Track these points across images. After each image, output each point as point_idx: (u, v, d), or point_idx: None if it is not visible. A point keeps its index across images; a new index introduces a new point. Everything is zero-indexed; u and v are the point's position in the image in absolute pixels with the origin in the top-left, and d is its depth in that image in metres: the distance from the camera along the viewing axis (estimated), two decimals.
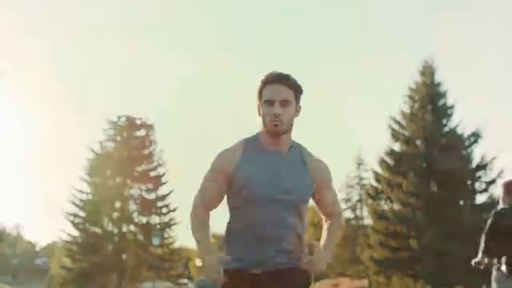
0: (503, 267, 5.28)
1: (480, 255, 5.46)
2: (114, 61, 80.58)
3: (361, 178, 39.11)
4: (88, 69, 78.98)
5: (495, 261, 5.37)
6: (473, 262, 5.57)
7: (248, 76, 69.50)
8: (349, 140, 68.79)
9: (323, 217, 3.15)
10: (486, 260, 5.41)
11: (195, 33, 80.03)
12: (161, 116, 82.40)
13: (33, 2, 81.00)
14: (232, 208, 2.92)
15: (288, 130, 2.90)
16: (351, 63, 74.91)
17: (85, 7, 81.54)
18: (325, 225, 3.12)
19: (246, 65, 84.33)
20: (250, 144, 2.94)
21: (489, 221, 5.44)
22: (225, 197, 2.98)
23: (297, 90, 2.91)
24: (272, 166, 2.87)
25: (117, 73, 78.37)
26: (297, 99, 2.92)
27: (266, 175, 2.85)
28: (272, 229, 2.82)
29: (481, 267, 5.47)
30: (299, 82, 2.94)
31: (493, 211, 5.51)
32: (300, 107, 2.96)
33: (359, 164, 39.26)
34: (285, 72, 2.96)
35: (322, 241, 3.03)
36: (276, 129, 2.84)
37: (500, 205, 5.58)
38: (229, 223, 2.96)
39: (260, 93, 2.92)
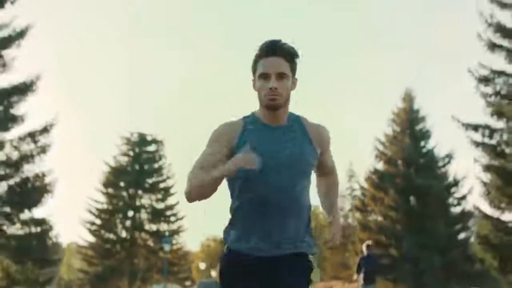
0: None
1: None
2: (122, 78, 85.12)
3: (352, 189, 44.36)
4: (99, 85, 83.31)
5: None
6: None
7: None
8: (342, 150, 73.27)
9: (318, 176, 3.23)
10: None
11: (208, 50, 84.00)
12: (170, 133, 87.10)
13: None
14: (235, 185, 2.90)
15: (285, 103, 2.90)
16: (348, 68, 78.98)
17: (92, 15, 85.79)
18: (323, 182, 3.24)
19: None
20: (250, 119, 2.95)
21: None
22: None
23: (294, 62, 2.90)
24: (274, 137, 2.89)
25: (127, 91, 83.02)
26: (293, 71, 2.91)
27: (269, 145, 2.86)
28: (280, 199, 2.83)
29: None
30: (295, 48, 2.91)
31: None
32: (296, 79, 2.94)
33: (351, 176, 44.58)
34: (280, 40, 2.90)
35: (326, 201, 3.21)
36: (273, 103, 2.85)
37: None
38: (232, 202, 2.95)
39: (255, 66, 2.91)
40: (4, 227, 15.71)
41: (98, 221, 40.38)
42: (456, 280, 30.55)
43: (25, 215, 20.08)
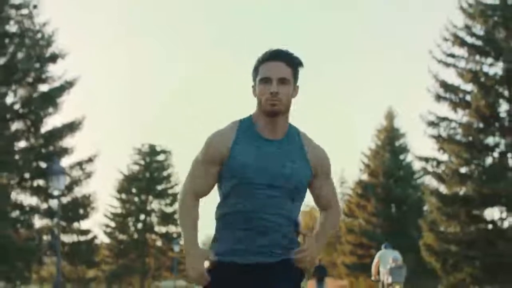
0: None
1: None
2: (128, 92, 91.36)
3: (344, 195, 51.21)
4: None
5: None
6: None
7: None
8: (336, 156, 78.89)
9: (320, 210, 3.13)
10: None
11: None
12: (178, 143, 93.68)
13: None
14: (224, 195, 2.90)
15: (286, 111, 2.87)
16: (348, 71, 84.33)
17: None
18: (320, 217, 3.10)
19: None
20: (244, 127, 2.91)
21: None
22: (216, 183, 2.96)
23: (296, 69, 2.91)
24: (268, 151, 2.85)
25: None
26: (295, 77, 2.90)
27: (261, 160, 2.83)
28: (267, 216, 2.82)
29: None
30: (298, 57, 2.92)
31: None
32: (297, 87, 2.93)
33: (342, 182, 51.63)
34: (283, 48, 2.92)
35: (315, 232, 3.05)
36: (273, 108, 2.81)
37: None
38: (219, 210, 2.94)
39: (256, 71, 2.90)
40: (59, 236, 22.39)
41: (112, 224, 45.81)
42: (424, 276, 37.19)
43: (75, 226, 27.30)
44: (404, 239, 38.56)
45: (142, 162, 47.66)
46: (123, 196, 46.81)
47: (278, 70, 2.84)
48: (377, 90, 76.27)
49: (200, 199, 2.98)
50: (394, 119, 41.63)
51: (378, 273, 15.78)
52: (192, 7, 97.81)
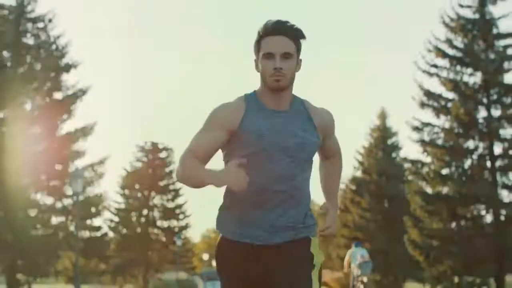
0: None
1: None
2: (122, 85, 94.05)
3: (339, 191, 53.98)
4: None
5: None
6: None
7: None
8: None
9: (321, 159, 3.23)
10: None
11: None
12: (179, 140, 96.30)
13: None
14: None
15: (290, 85, 2.91)
16: (352, 64, 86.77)
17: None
18: (325, 166, 3.24)
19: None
20: (251, 100, 2.95)
21: None
22: (222, 156, 2.98)
23: (299, 42, 2.92)
24: (277, 124, 2.89)
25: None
26: (298, 51, 2.93)
27: (274, 130, 2.87)
28: (282, 185, 2.86)
29: None
30: (301, 29, 2.92)
31: None
32: (301, 60, 2.96)
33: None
34: (284, 19, 2.90)
35: (325, 186, 3.22)
36: (278, 84, 2.86)
37: None
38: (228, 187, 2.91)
39: (258, 45, 2.91)
40: (74, 233, 25.20)
41: (116, 219, 48.04)
42: (421, 270, 40.09)
43: (88, 223, 30.32)
44: (395, 233, 41.45)
45: (145, 159, 49.81)
46: (127, 192, 48.93)
47: (281, 45, 2.86)
48: (372, 91, 78.93)
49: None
50: (386, 119, 44.46)
51: (349, 267, 18.68)
52: (193, 6, 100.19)
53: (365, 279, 18.21)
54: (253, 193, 2.87)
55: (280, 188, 2.88)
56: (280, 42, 2.86)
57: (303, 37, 2.93)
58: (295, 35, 2.90)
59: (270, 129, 2.89)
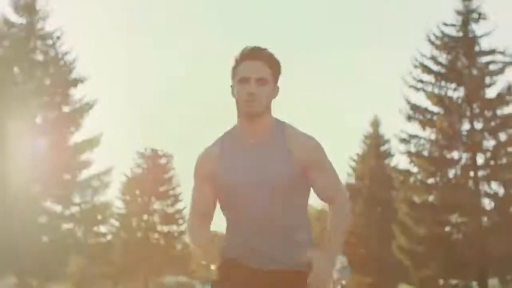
0: None
1: None
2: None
3: None
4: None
5: None
6: None
7: None
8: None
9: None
10: None
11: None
12: (179, 146, 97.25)
13: None
14: (221, 210, 3.00)
15: (265, 111, 2.89)
16: (348, 63, 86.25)
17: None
18: (329, 214, 3.03)
19: None
20: (228, 138, 2.98)
21: None
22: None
23: (276, 69, 2.91)
24: (252, 159, 2.90)
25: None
26: (276, 78, 2.92)
27: (247, 168, 2.89)
28: (259, 219, 2.87)
29: None
30: (278, 59, 2.92)
31: None
32: (278, 88, 2.93)
33: None
34: (263, 46, 2.92)
35: (326, 237, 2.96)
36: (251, 110, 2.85)
37: None
38: (224, 216, 3.02)
39: (234, 71, 2.90)
40: (82, 239, 27.40)
41: (117, 224, 49.23)
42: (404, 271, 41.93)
43: (94, 230, 32.60)
44: (388, 238, 43.53)
45: (145, 165, 50.98)
46: (127, 197, 50.03)
47: (257, 69, 2.85)
48: (365, 98, 79.88)
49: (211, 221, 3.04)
50: (379, 126, 46.67)
51: None
52: (193, 8, 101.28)
53: (343, 282, 20.39)
54: (236, 220, 2.97)
55: (257, 219, 2.90)
56: (255, 66, 2.86)
57: (279, 68, 2.95)
58: (271, 61, 2.91)
59: (243, 167, 2.92)
